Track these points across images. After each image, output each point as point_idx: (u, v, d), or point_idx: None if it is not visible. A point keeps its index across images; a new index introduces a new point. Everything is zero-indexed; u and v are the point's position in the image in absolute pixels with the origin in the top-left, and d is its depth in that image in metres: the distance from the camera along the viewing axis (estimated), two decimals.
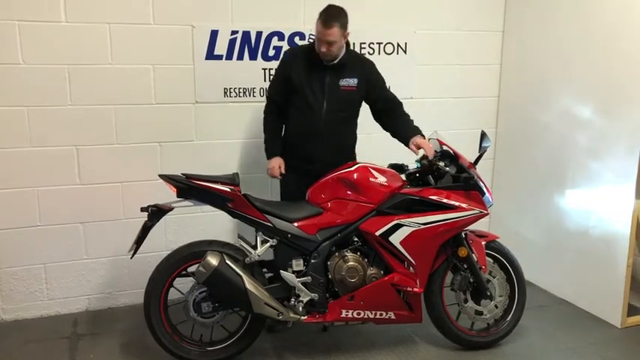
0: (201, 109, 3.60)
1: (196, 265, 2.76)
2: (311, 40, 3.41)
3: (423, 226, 2.90)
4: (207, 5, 3.50)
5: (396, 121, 3.25)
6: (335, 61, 3.07)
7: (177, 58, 3.50)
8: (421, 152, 3.11)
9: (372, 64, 3.24)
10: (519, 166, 4.17)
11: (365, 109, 3.31)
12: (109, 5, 3.32)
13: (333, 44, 2.96)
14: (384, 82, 3.27)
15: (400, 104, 3.29)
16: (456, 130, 4.05)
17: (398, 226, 2.90)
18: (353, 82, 3.11)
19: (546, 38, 3.86)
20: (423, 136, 3.15)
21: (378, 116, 3.31)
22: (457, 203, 2.95)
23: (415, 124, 3.22)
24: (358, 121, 3.33)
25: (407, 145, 3.13)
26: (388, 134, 3.29)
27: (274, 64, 3.47)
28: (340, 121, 3.16)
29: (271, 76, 3.55)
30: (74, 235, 3.50)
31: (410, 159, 3.17)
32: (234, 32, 3.56)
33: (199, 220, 3.71)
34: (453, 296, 3.13)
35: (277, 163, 3.18)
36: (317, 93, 3.07)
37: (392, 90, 3.96)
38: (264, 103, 3.30)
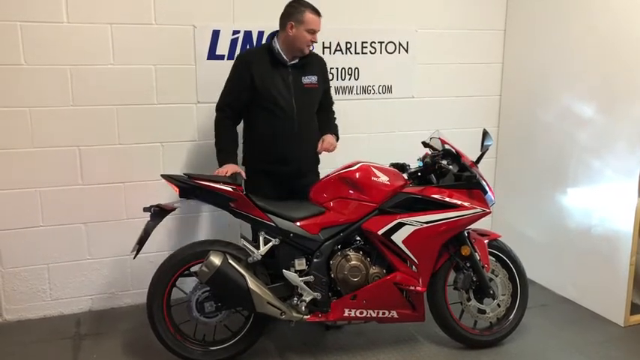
0: (203, 109, 3.60)
1: (199, 265, 2.77)
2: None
3: (425, 225, 2.90)
4: (208, 5, 3.51)
5: (324, 116, 3.28)
6: (296, 60, 3.06)
7: (179, 59, 3.50)
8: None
9: (324, 61, 3.26)
10: (521, 164, 4.17)
11: None
12: (110, 6, 3.32)
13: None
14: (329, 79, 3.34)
15: (333, 102, 3.37)
16: (458, 128, 4.05)
17: (400, 225, 2.90)
18: (314, 79, 3.11)
19: (548, 36, 3.86)
20: (337, 136, 3.24)
21: (317, 112, 3.28)
22: (459, 202, 2.95)
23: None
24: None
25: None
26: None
27: None
28: (310, 119, 3.15)
29: None
30: (77, 236, 3.50)
31: (411, 158, 3.17)
32: (235, 32, 3.57)
33: (202, 220, 3.71)
34: (455, 295, 3.13)
35: (232, 169, 2.97)
36: (284, 93, 3.03)
37: (394, 89, 4.00)
38: None
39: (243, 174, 2.98)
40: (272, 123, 3.06)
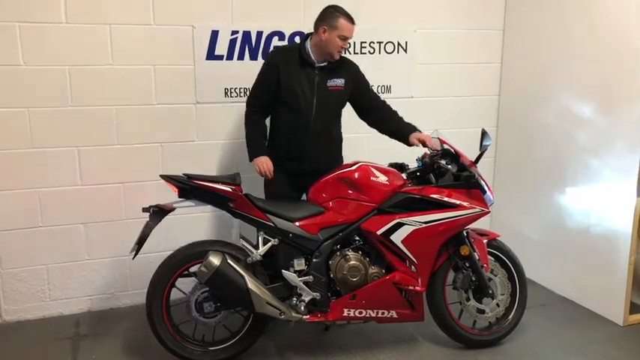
0: (202, 110, 3.61)
1: (198, 265, 2.77)
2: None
3: (424, 225, 2.90)
4: (207, 5, 3.51)
5: (390, 121, 3.27)
6: (325, 62, 3.09)
7: (178, 59, 3.50)
8: (424, 148, 3.13)
9: (356, 66, 3.28)
10: (520, 164, 4.17)
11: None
12: (109, 6, 3.32)
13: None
14: (368, 83, 3.31)
15: (384, 102, 3.32)
16: (457, 128, 4.04)
17: (399, 225, 2.90)
18: (340, 82, 3.14)
19: (547, 36, 3.86)
20: (420, 131, 3.19)
21: (364, 116, 3.33)
22: (458, 202, 2.95)
23: (415, 123, 3.23)
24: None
25: (407, 142, 3.17)
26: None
27: None
28: (329, 120, 3.18)
29: None
30: (76, 236, 3.50)
31: (409, 158, 3.17)
32: (234, 32, 3.57)
33: (201, 221, 3.71)
34: (454, 295, 3.14)
35: (265, 162, 3.07)
36: (307, 92, 3.07)
37: (393, 89, 4.00)
38: None
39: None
40: (289, 119, 3.11)
